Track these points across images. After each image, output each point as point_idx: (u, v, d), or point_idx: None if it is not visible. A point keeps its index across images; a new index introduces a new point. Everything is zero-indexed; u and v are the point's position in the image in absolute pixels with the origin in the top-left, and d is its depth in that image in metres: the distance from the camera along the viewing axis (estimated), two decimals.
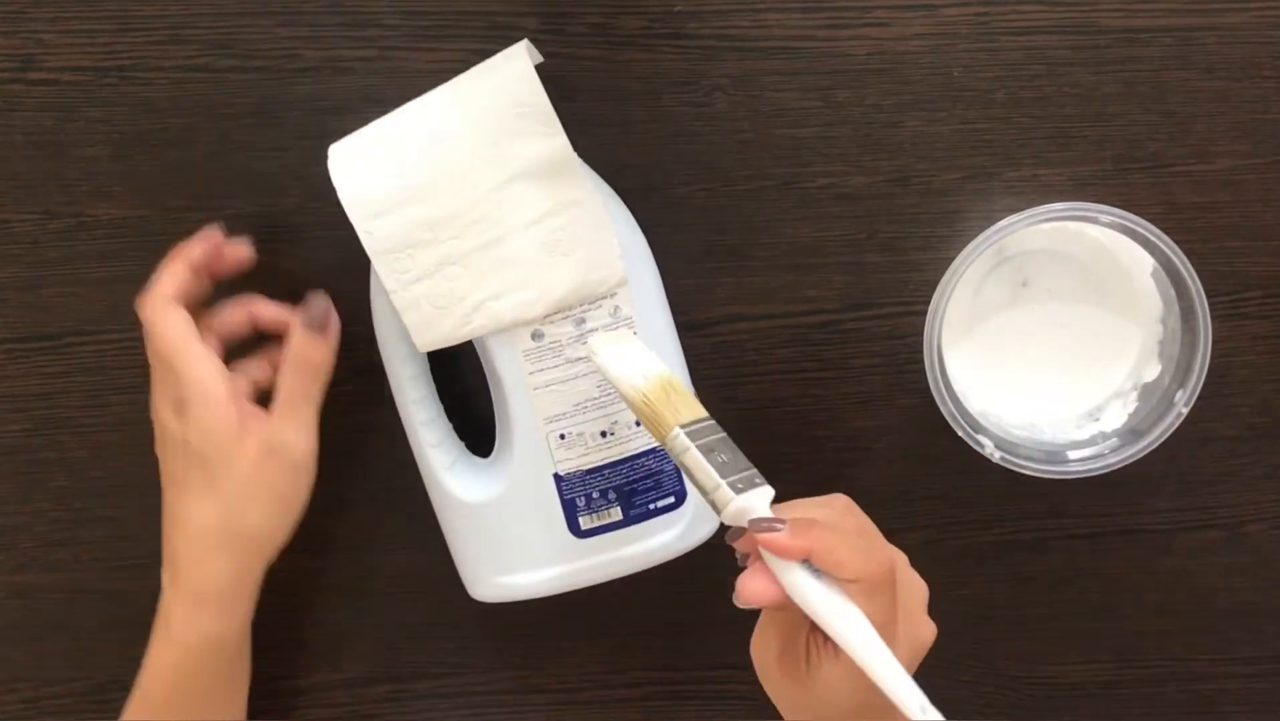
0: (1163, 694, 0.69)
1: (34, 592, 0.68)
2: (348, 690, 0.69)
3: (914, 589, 0.54)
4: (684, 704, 0.69)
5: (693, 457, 0.52)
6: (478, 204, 0.58)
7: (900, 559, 0.53)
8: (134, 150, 0.64)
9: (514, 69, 0.59)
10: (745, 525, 0.51)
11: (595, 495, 0.62)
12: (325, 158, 0.64)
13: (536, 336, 0.60)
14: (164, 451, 0.60)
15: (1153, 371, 0.64)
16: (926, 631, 0.53)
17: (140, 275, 0.65)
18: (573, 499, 0.62)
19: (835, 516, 0.52)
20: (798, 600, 0.50)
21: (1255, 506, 0.67)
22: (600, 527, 0.62)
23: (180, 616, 0.60)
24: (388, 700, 0.68)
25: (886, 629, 0.49)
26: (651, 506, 0.63)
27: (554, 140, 0.58)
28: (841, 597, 0.49)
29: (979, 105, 0.64)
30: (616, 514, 0.62)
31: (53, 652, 0.68)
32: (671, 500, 0.63)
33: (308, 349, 0.59)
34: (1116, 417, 0.65)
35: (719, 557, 0.67)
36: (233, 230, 0.65)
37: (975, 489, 0.67)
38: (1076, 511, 0.67)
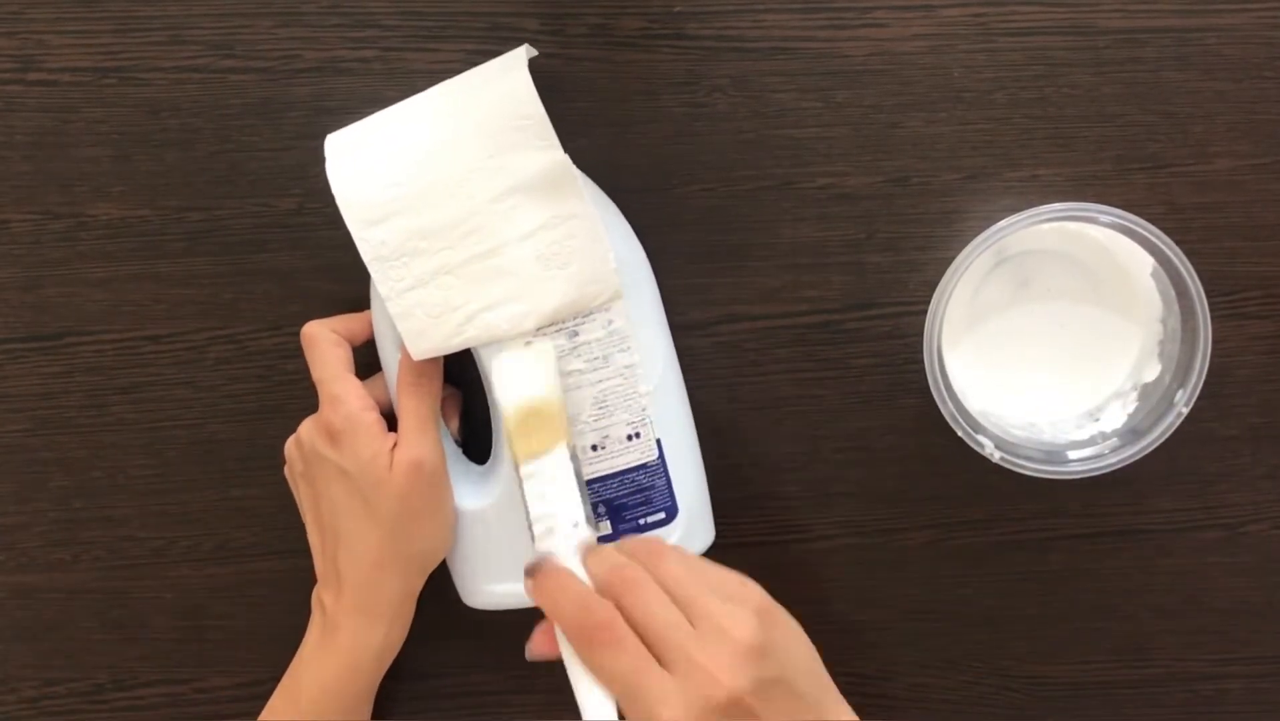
0: (1163, 694, 0.69)
1: (34, 592, 0.68)
2: None
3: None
4: None
5: (523, 490, 0.56)
6: (474, 215, 0.58)
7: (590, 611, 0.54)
8: (134, 150, 0.64)
9: (513, 80, 0.58)
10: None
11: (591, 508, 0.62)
12: (325, 158, 0.64)
13: (530, 346, 0.60)
14: (315, 476, 0.61)
15: (1153, 371, 0.64)
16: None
17: (140, 275, 0.65)
18: None
19: (622, 561, 0.54)
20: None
21: (1255, 506, 0.68)
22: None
23: (350, 629, 0.61)
24: (388, 700, 0.68)
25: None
26: (641, 521, 0.62)
27: (552, 153, 0.58)
28: (568, 656, 0.53)
29: (979, 106, 0.64)
30: (606, 527, 0.62)
31: (53, 652, 0.68)
32: (662, 515, 0.62)
33: (420, 369, 0.61)
34: (1116, 417, 0.65)
35: (720, 558, 0.67)
36: (232, 230, 0.65)
37: (975, 489, 0.67)
38: (1076, 511, 0.67)
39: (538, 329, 0.59)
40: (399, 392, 0.61)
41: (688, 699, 0.50)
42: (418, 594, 0.63)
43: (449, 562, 0.64)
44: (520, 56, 0.59)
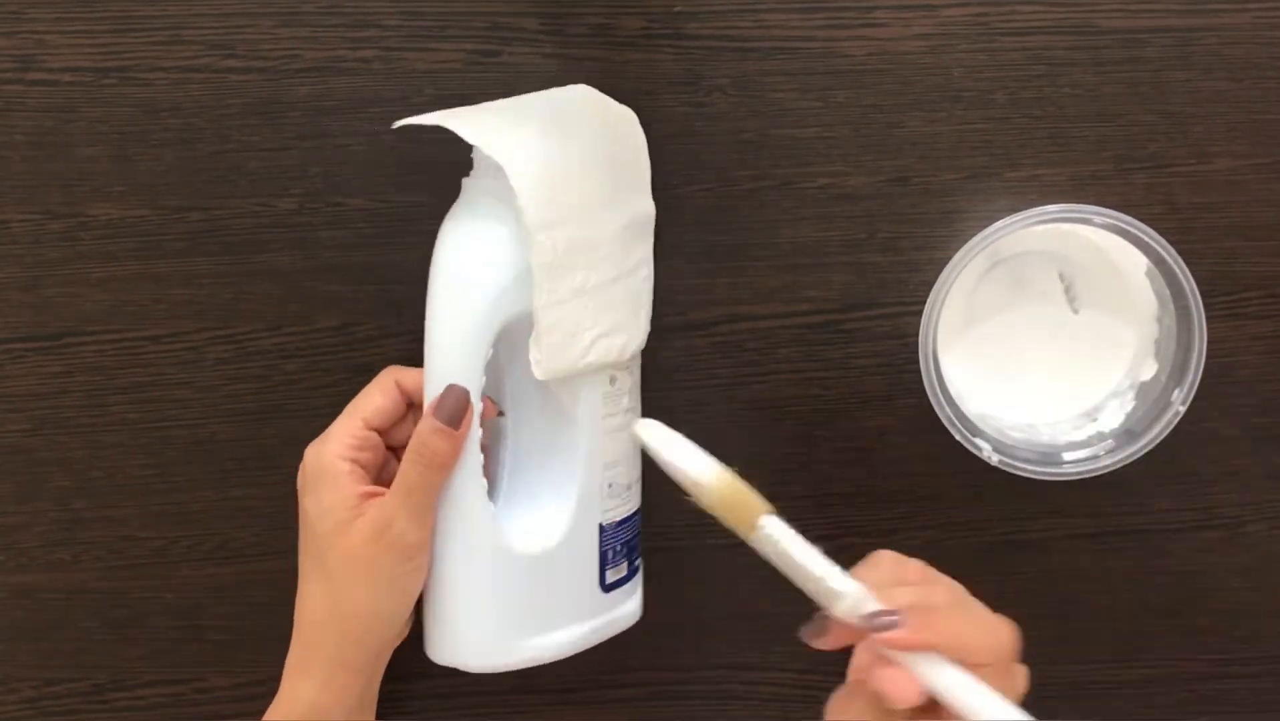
0: (1163, 694, 0.69)
1: (34, 592, 0.68)
2: None
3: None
4: (684, 704, 0.69)
5: (794, 544, 0.50)
6: (609, 240, 0.59)
7: (1005, 626, 0.50)
8: (134, 150, 0.64)
9: (633, 133, 0.61)
10: (856, 620, 0.49)
11: (619, 548, 0.62)
12: (325, 158, 0.64)
13: (613, 381, 0.60)
14: (300, 529, 0.60)
15: (1149, 370, 0.64)
16: (1023, 681, 0.50)
17: (140, 275, 0.65)
18: (606, 551, 0.61)
19: (931, 594, 0.50)
20: (938, 692, 0.47)
21: (1255, 506, 0.67)
22: (616, 581, 0.62)
23: (286, 687, 0.60)
24: (388, 700, 0.68)
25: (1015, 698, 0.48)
26: (636, 562, 0.64)
27: (648, 203, 0.62)
28: (977, 684, 0.47)
29: (979, 105, 0.64)
30: (624, 569, 0.63)
31: (53, 652, 0.68)
32: (639, 558, 0.64)
33: (435, 440, 0.56)
34: (1114, 418, 0.65)
35: (719, 557, 0.67)
36: (232, 230, 0.65)
37: (975, 488, 0.67)
38: (1076, 511, 0.67)
39: (625, 362, 0.61)
40: (406, 453, 0.57)
41: None
42: (368, 666, 0.60)
43: (464, 621, 0.60)
44: (634, 118, 0.62)
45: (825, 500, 0.67)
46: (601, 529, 0.61)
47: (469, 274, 0.57)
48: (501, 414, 0.62)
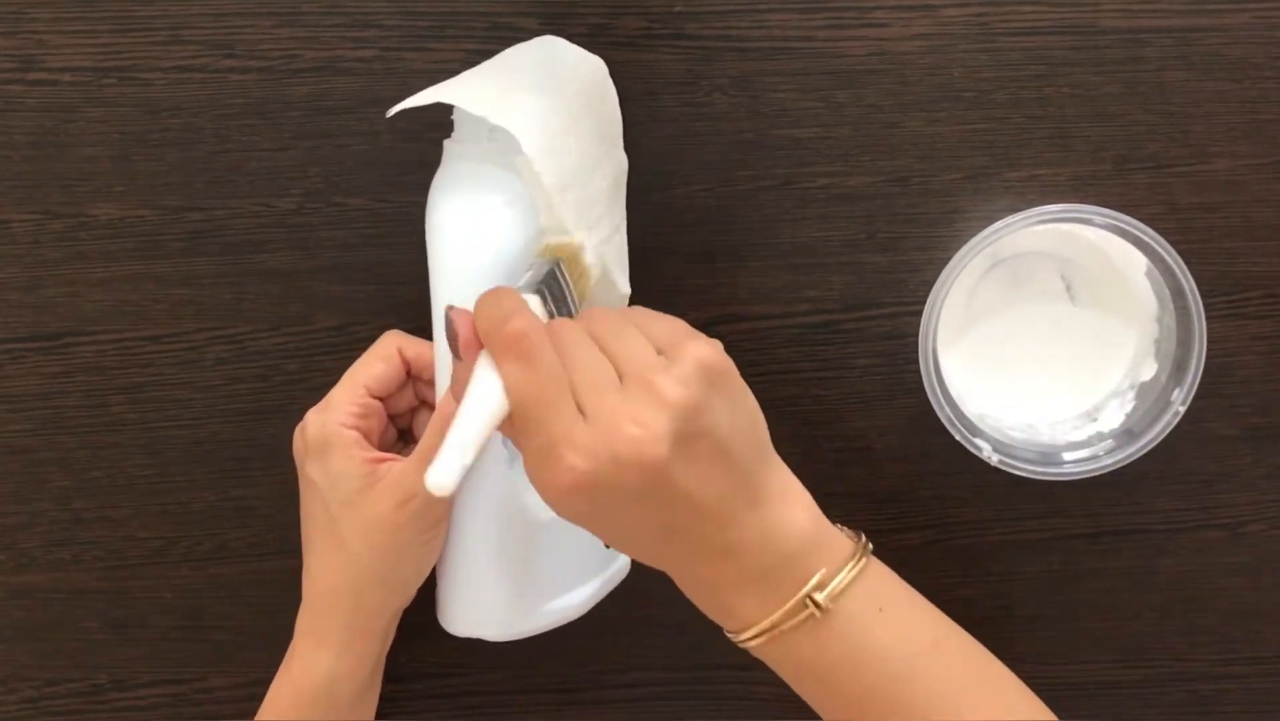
0: (1163, 694, 0.69)
1: (34, 592, 0.68)
2: None
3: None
4: (684, 704, 0.69)
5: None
6: (601, 199, 0.58)
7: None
8: (134, 150, 0.64)
9: (605, 84, 0.60)
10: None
11: None
12: (325, 158, 0.64)
13: None
14: (300, 473, 0.60)
15: (1149, 370, 0.64)
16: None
17: (140, 275, 0.65)
18: None
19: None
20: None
21: (1255, 506, 0.67)
22: None
23: (299, 655, 0.60)
24: (388, 700, 0.68)
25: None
26: None
27: (623, 155, 0.60)
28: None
29: (979, 105, 0.64)
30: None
31: (53, 652, 0.68)
32: None
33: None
34: (1114, 418, 0.65)
35: None
36: (232, 230, 0.65)
37: (975, 488, 0.67)
38: (1076, 511, 0.67)
39: None
40: (437, 409, 0.56)
41: (594, 449, 0.45)
42: (382, 630, 0.61)
43: (488, 589, 0.60)
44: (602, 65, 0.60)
45: (825, 500, 0.67)
46: None
47: (467, 246, 0.56)
48: None
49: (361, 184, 0.64)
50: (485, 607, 0.60)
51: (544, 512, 0.58)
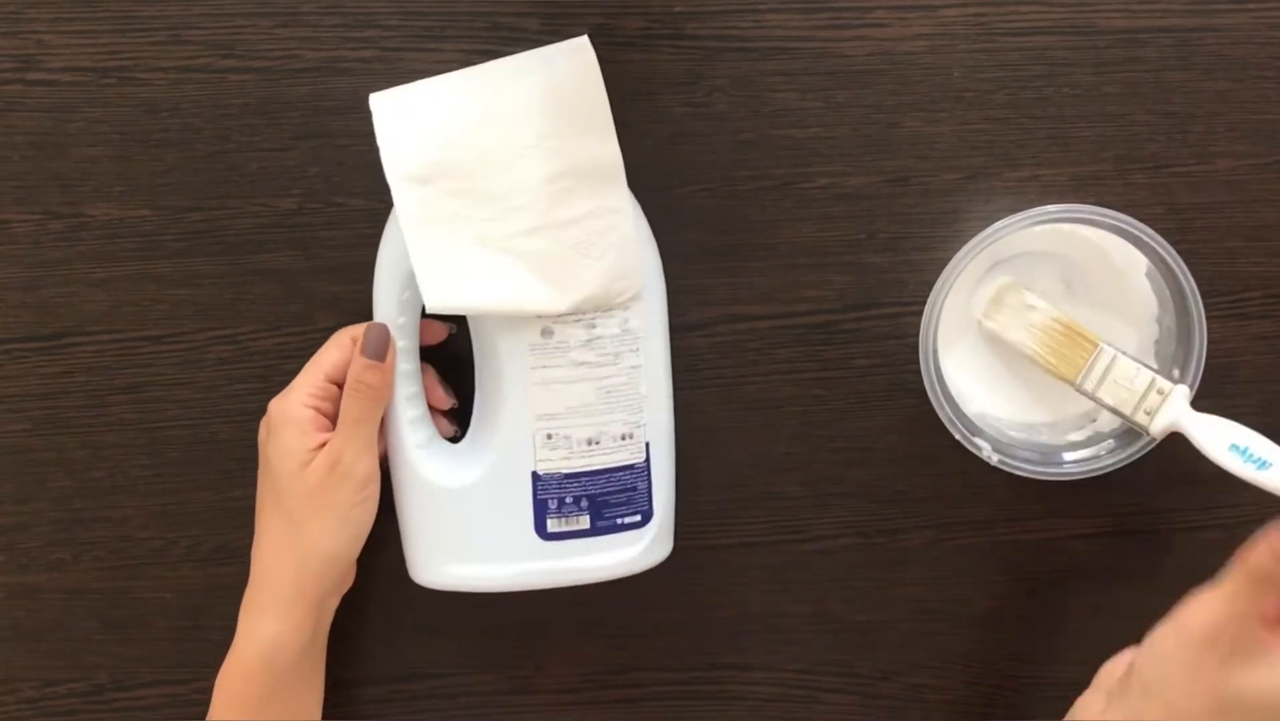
0: None
1: (34, 592, 0.68)
2: (347, 690, 0.69)
3: None
4: (684, 704, 0.69)
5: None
6: (524, 191, 0.59)
7: None
8: (134, 150, 0.64)
9: (579, 62, 0.59)
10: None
11: (569, 500, 0.62)
12: (325, 158, 0.64)
13: (546, 333, 0.60)
14: (259, 483, 0.63)
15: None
16: None
17: (140, 275, 0.65)
18: (545, 500, 0.62)
19: None
20: None
21: (1255, 506, 0.67)
22: (566, 533, 0.62)
23: (244, 629, 0.62)
24: (388, 700, 0.68)
25: None
26: (619, 521, 0.63)
27: (607, 146, 0.60)
28: None
29: (979, 106, 0.64)
30: (584, 522, 0.62)
31: (53, 652, 0.68)
32: (639, 518, 0.63)
33: (366, 374, 0.60)
34: (1114, 418, 0.65)
35: (719, 558, 0.67)
36: (232, 230, 0.65)
37: (975, 488, 0.67)
38: (1076, 511, 0.67)
39: (562, 315, 0.60)
40: (344, 393, 0.61)
41: None
42: (320, 602, 0.62)
43: (404, 537, 0.64)
44: (586, 45, 0.60)
45: (825, 500, 0.67)
46: (537, 477, 0.62)
47: (388, 224, 0.62)
48: (452, 333, 0.65)
49: (361, 184, 0.64)
50: (413, 557, 0.64)
51: (449, 482, 0.62)
